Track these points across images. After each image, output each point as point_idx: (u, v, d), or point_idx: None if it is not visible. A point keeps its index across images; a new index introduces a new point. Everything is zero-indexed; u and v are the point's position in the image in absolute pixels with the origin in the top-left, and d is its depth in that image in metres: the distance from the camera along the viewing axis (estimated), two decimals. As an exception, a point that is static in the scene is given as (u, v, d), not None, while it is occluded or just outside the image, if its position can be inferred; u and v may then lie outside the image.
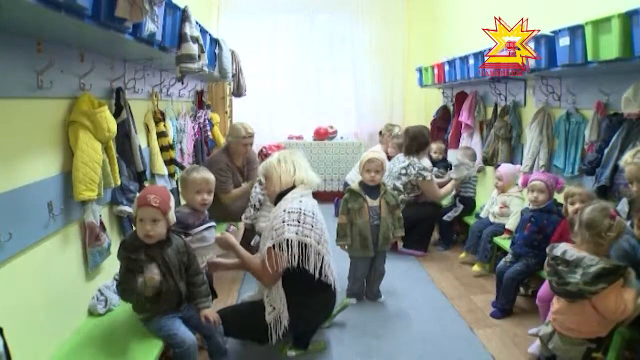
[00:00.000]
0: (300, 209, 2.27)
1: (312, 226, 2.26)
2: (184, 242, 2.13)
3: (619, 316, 1.84)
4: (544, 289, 2.43)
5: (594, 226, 1.87)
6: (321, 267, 2.27)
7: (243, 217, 3.58)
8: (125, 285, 1.94)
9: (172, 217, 2.05)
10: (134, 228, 2.57)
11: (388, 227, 3.06)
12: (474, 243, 3.64)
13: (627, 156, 2.24)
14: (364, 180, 3.08)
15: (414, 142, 4.03)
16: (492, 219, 3.58)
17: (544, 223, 2.78)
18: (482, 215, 3.74)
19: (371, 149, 4.91)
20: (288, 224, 2.22)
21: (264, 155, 3.82)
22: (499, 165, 3.77)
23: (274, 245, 2.22)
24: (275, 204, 2.43)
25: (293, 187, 2.41)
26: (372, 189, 3.07)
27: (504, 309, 2.88)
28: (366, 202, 3.02)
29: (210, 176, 2.45)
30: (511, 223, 3.33)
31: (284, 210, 2.28)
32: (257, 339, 2.41)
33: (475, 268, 3.56)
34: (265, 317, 2.28)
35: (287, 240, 2.19)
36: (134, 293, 1.93)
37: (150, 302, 2.01)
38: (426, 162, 4.13)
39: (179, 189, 2.50)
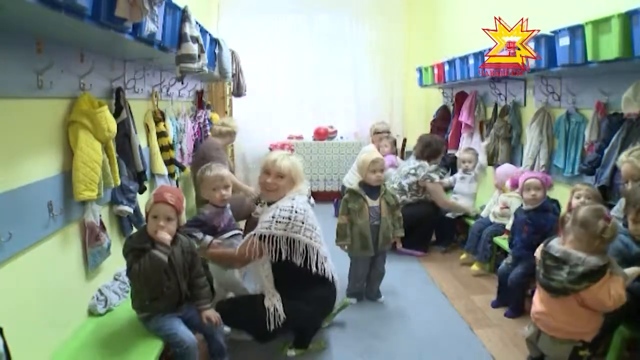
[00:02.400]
0: (292, 207, 2.32)
1: (303, 222, 2.32)
2: (190, 243, 2.15)
3: (617, 305, 1.84)
4: None
5: (587, 225, 1.88)
6: (316, 261, 2.33)
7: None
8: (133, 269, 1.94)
9: (183, 218, 2.10)
10: (134, 228, 2.60)
11: (388, 227, 3.06)
12: (474, 243, 3.63)
13: (623, 155, 2.26)
14: (369, 181, 3.06)
15: (427, 148, 4.11)
16: (492, 219, 3.57)
17: (541, 223, 2.77)
18: (483, 215, 3.74)
19: (364, 149, 4.92)
20: (277, 221, 2.28)
21: None
22: (498, 165, 3.78)
23: (254, 234, 2.28)
24: (270, 204, 2.45)
25: None
26: (372, 189, 3.07)
27: (516, 309, 2.89)
28: (366, 202, 3.02)
29: (225, 172, 2.51)
30: (511, 224, 3.33)
31: (277, 207, 2.33)
32: (257, 334, 2.42)
33: (474, 267, 3.56)
34: (265, 302, 2.31)
35: (273, 236, 2.25)
36: (141, 275, 1.93)
37: (150, 299, 2.01)
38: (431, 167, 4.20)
39: (199, 188, 2.60)
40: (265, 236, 2.26)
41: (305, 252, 2.30)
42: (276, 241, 2.25)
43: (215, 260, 2.50)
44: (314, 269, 2.31)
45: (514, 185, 3.16)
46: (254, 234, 2.28)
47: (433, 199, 4.04)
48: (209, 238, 2.42)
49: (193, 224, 2.45)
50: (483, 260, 3.53)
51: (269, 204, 2.45)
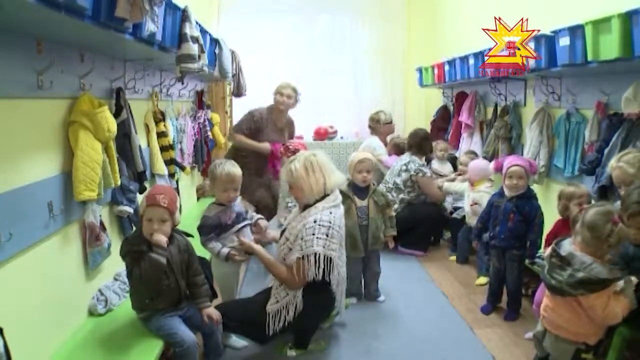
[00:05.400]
0: (331, 223, 2.31)
1: (337, 240, 2.33)
2: (186, 242, 2.15)
3: (607, 322, 1.84)
4: (540, 293, 2.42)
5: (595, 229, 1.85)
6: (335, 279, 2.36)
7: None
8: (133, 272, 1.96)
9: (177, 217, 2.09)
10: (134, 228, 2.59)
11: (377, 227, 3.05)
12: (464, 252, 3.72)
13: (612, 161, 2.24)
14: (356, 181, 3.07)
15: (423, 141, 4.15)
16: (467, 220, 3.55)
17: (526, 210, 2.75)
18: (467, 219, 3.66)
19: (366, 143, 4.91)
20: (317, 237, 2.26)
21: (290, 152, 3.61)
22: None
23: (302, 257, 2.26)
24: (304, 209, 2.44)
25: (324, 194, 2.41)
26: (361, 190, 3.07)
27: (517, 311, 2.88)
28: (354, 202, 3.02)
29: (237, 172, 2.46)
30: (484, 213, 3.11)
31: (315, 222, 2.30)
32: (256, 337, 2.42)
33: (480, 281, 3.37)
34: (267, 307, 2.30)
35: (315, 254, 2.24)
36: (141, 279, 1.94)
37: (150, 298, 2.02)
38: (447, 168, 4.36)
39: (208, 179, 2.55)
40: (308, 256, 2.25)
41: (335, 270, 2.32)
42: (317, 259, 2.24)
43: (262, 262, 2.42)
44: (333, 287, 2.33)
45: (498, 169, 3.07)
46: (301, 257, 2.26)
47: (425, 192, 4.03)
48: (225, 250, 2.39)
49: (207, 234, 2.40)
50: (484, 273, 3.37)
51: (303, 209, 2.44)
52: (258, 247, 2.42)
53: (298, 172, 2.39)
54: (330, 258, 2.27)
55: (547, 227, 2.76)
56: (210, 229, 2.40)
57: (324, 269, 2.25)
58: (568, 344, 1.95)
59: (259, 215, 2.67)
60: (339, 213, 2.42)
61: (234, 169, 2.47)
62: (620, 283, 1.85)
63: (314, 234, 2.27)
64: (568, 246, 1.93)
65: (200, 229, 2.42)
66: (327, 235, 2.28)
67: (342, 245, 2.43)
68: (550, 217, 2.82)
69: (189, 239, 2.22)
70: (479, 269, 3.46)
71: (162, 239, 1.95)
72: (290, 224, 2.48)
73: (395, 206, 3.85)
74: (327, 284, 2.36)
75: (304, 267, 2.25)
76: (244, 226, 2.51)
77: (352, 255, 3.01)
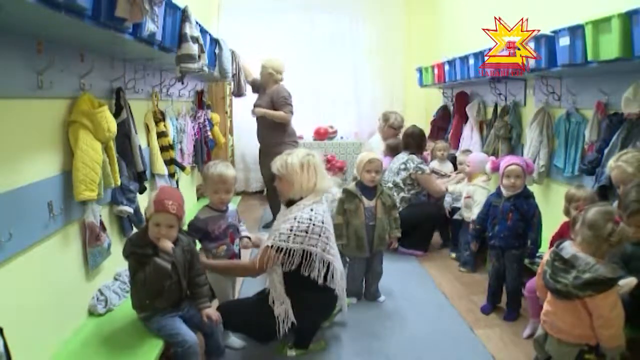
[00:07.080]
0: (310, 220, 2.29)
1: (320, 235, 2.30)
2: (189, 242, 2.15)
3: (612, 323, 1.82)
4: (532, 281, 2.41)
5: (596, 228, 1.84)
6: (326, 273, 2.32)
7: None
8: (138, 277, 1.96)
9: (183, 221, 2.10)
10: (134, 228, 2.59)
11: (384, 227, 3.05)
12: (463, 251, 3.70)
13: (611, 161, 2.23)
14: (364, 181, 3.06)
15: (410, 139, 4.16)
16: (460, 213, 3.55)
17: (524, 209, 2.74)
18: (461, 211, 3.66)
19: (369, 142, 4.95)
20: (295, 234, 2.25)
21: (337, 168, 3.69)
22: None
23: (272, 247, 2.25)
24: (287, 205, 2.43)
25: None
26: (369, 190, 3.06)
27: (516, 310, 2.87)
28: (362, 202, 3.01)
29: (229, 174, 2.42)
30: (475, 214, 3.18)
31: (294, 218, 2.30)
32: (259, 336, 2.42)
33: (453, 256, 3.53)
34: (274, 310, 2.30)
35: (290, 250, 2.23)
36: (144, 284, 1.94)
37: (150, 298, 2.02)
38: (448, 167, 4.32)
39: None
40: (282, 249, 2.24)
41: (318, 264, 2.30)
42: (292, 254, 2.24)
43: (222, 272, 2.44)
44: (320, 281, 2.30)
45: (495, 169, 3.07)
46: (271, 246, 2.25)
47: (426, 189, 4.05)
48: None
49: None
50: (466, 267, 3.50)
51: (287, 205, 2.43)
52: (205, 261, 2.35)
53: (293, 167, 2.38)
54: (310, 253, 2.26)
55: (547, 227, 2.76)
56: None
57: (303, 265, 2.25)
58: (571, 347, 1.94)
59: (246, 233, 2.63)
60: (320, 209, 2.38)
61: (227, 170, 2.43)
62: (622, 282, 1.85)
63: (291, 230, 2.26)
64: (570, 248, 1.92)
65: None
66: (306, 232, 2.26)
67: (329, 239, 2.38)
68: (550, 217, 2.82)
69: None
70: (461, 262, 3.59)
71: (169, 245, 1.95)
72: (274, 225, 2.48)
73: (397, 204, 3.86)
74: (328, 283, 2.36)
75: (270, 257, 2.25)
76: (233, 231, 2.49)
77: (357, 255, 3.02)
